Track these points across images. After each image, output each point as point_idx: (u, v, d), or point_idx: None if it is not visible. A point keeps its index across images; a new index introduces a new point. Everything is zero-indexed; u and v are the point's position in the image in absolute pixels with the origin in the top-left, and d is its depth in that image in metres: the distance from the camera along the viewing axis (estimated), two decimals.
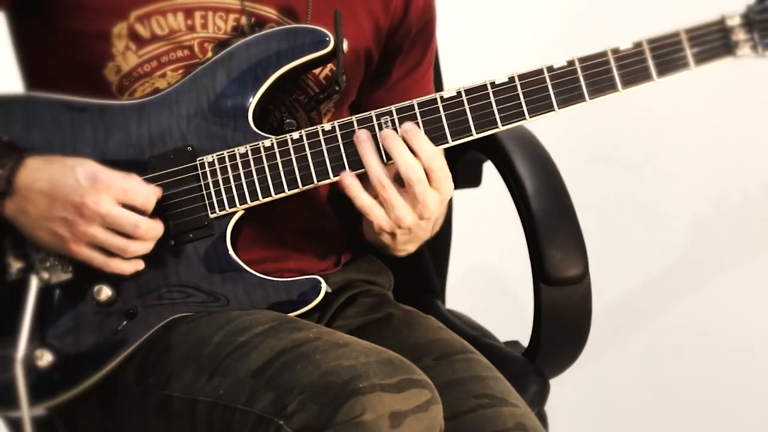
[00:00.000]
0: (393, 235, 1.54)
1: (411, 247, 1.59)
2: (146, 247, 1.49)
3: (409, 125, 1.50)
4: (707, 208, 2.71)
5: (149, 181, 1.51)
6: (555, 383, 1.78)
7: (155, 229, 1.49)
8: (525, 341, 1.81)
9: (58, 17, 1.54)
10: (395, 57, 1.69)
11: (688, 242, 2.74)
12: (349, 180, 1.50)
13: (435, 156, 1.49)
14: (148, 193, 1.48)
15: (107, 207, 1.45)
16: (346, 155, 1.52)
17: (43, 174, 1.46)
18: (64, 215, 1.46)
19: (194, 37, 1.56)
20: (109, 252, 1.49)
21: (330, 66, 1.61)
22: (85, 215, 1.45)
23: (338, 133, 1.52)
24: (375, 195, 1.51)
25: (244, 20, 1.58)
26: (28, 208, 1.47)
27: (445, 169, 1.50)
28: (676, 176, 2.72)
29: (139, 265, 1.50)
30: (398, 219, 1.50)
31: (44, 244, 1.50)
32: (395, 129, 1.51)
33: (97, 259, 1.49)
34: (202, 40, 1.56)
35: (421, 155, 1.49)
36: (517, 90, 1.52)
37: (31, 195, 1.46)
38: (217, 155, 1.52)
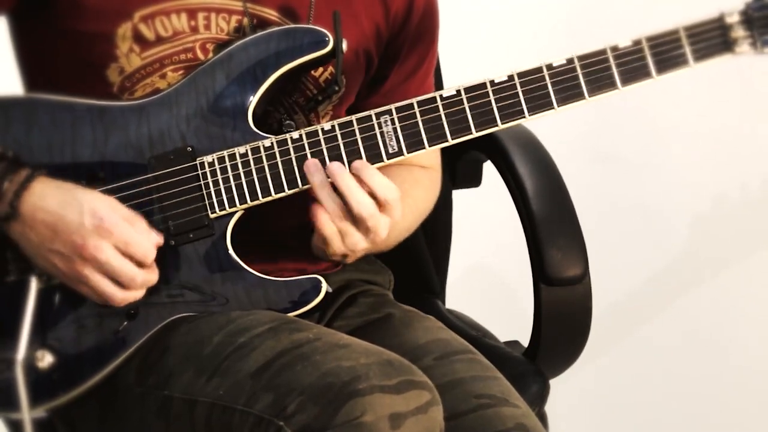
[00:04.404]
0: (345, 256, 1.55)
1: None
2: (136, 296, 1.48)
3: (358, 163, 1.50)
4: (707, 208, 2.71)
5: (150, 180, 1.51)
6: (555, 383, 1.78)
7: (150, 282, 1.48)
8: (525, 341, 1.81)
9: (60, 18, 1.54)
10: (393, 63, 1.69)
11: (687, 242, 2.74)
12: (320, 211, 1.50)
13: (388, 188, 1.50)
14: (148, 248, 1.46)
15: (107, 255, 1.44)
16: (345, 154, 1.52)
17: (49, 203, 1.45)
18: (64, 251, 1.45)
19: (197, 38, 1.56)
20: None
21: (330, 69, 1.61)
22: (83, 257, 1.44)
23: (338, 132, 1.52)
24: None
25: (246, 22, 1.57)
26: (31, 236, 1.46)
27: (398, 199, 1.51)
28: (676, 176, 2.72)
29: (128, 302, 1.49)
30: (353, 245, 1.52)
31: (41, 269, 1.49)
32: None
33: (87, 294, 1.48)
34: (204, 41, 1.56)
35: (375, 189, 1.49)
36: (516, 88, 1.52)
37: (35, 224, 1.45)
38: (216, 155, 1.52)
